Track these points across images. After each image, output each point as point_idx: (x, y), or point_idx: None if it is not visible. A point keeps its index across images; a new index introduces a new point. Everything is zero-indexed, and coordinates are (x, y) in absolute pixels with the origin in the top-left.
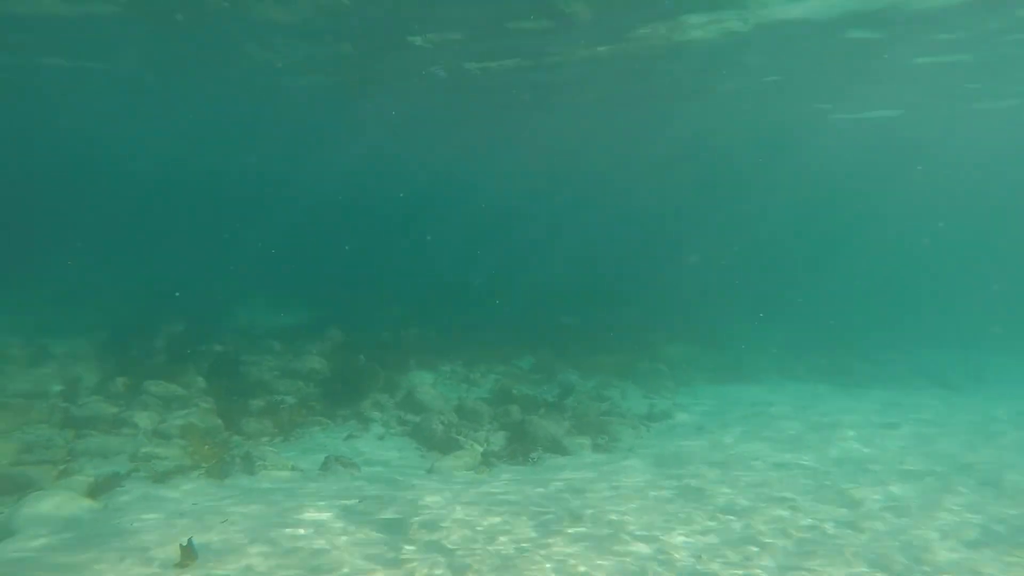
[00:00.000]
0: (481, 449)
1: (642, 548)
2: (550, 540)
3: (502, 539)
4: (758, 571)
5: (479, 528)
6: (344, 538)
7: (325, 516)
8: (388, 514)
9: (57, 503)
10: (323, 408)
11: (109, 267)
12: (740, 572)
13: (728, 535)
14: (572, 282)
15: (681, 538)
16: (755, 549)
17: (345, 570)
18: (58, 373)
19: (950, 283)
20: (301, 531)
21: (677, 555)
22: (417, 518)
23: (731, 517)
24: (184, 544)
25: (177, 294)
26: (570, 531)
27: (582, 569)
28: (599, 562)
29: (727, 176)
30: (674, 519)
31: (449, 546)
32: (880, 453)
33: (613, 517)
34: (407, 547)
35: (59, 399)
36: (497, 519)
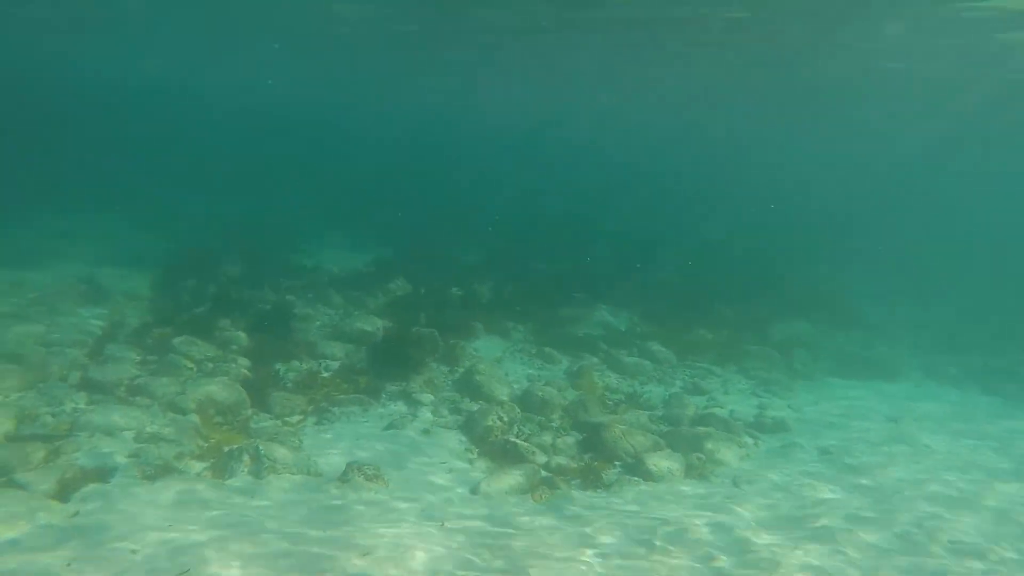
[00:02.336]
0: (544, 460)
1: None
2: None
3: None
4: None
5: None
6: None
7: None
8: None
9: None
10: (369, 381)
11: (197, 194)
12: None
13: None
14: (677, 234)
15: None
16: None
17: None
18: (107, 315)
19: None
20: None
21: None
22: None
23: None
24: None
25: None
26: None
27: None
28: None
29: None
30: None
31: None
32: None
33: None
34: None
35: (87, 351)
36: None
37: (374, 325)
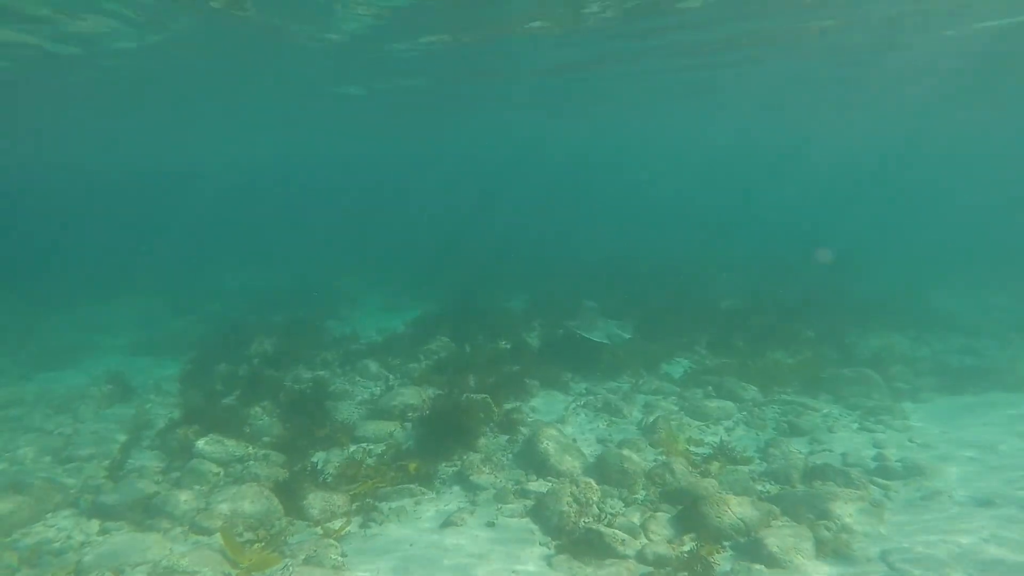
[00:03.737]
0: (636, 548)
1: None
2: None
3: None
4: None
5: None
6: None
7: None
8: None
9: None
10: (419, 466)
11: (237, 268)
12: None
13: None
14: (732, 254)
15: None
16: None
17: None
18: (132, 416)
19: None
20: None
21: None
22: None
23: None
24: None
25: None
26: None
27: None
28: None
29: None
30: None
31: None
32: None
33: None
34: None
35: (106, 464)
36: None
37: (419, 396)
